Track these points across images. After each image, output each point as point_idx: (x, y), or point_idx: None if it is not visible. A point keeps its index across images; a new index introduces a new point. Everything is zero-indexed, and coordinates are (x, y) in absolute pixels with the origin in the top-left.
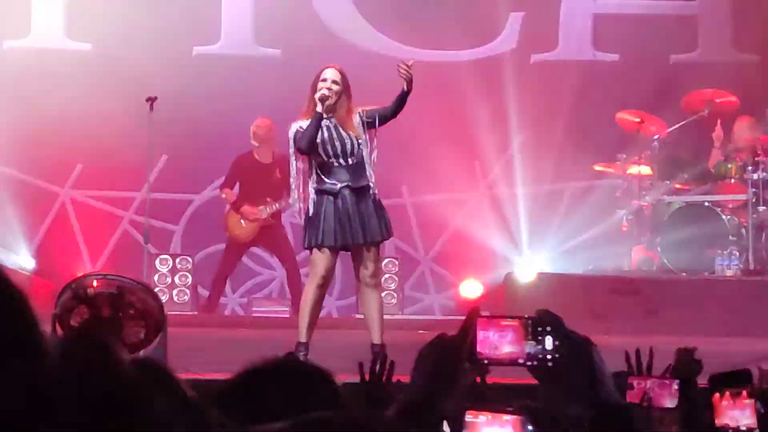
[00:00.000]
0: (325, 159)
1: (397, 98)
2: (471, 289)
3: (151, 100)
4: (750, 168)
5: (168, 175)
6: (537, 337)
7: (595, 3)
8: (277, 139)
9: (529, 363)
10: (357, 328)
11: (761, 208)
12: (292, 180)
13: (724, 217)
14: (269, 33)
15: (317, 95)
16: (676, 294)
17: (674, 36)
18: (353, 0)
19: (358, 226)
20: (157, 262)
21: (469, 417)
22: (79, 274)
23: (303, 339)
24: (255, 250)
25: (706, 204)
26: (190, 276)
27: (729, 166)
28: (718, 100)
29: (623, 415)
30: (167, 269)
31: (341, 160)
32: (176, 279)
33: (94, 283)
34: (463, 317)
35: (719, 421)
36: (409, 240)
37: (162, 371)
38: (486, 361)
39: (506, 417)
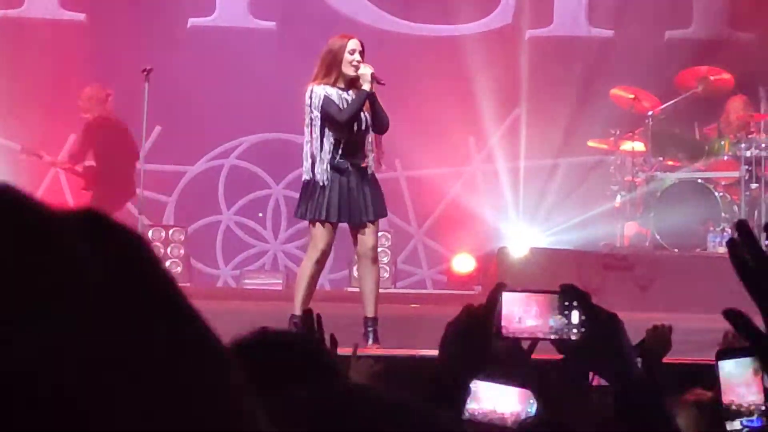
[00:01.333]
0: (350, 134)
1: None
2: (464, 263)
3: (147, 71)
4: (743, 145)
5: (162, 147)
6: (563, 311)
7: None
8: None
9: (554, 337)
10: (349, 301)
11: (754, 186)
12: (307, 147)
13: (716, 193)
14: (264, 5)
15: (366, 71)
16: (668, 270)
17: (669, 12)
18: None
19: (361, 204)
20: (150, 233)
21: (474, 386)
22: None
23: (298, 312)
24: (247, 222)
25: (699, 181)
26: (183, 248)
27: (722, 143)
28: (712, 78)
29: (651, 390)
30: (160, 241)
31: (354, 137)
32: (169, 250)
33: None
34: (456, 291)
35: (725, 398)
36: (402, 214)
37: None
38: (512, 335)
39: (512, 389)
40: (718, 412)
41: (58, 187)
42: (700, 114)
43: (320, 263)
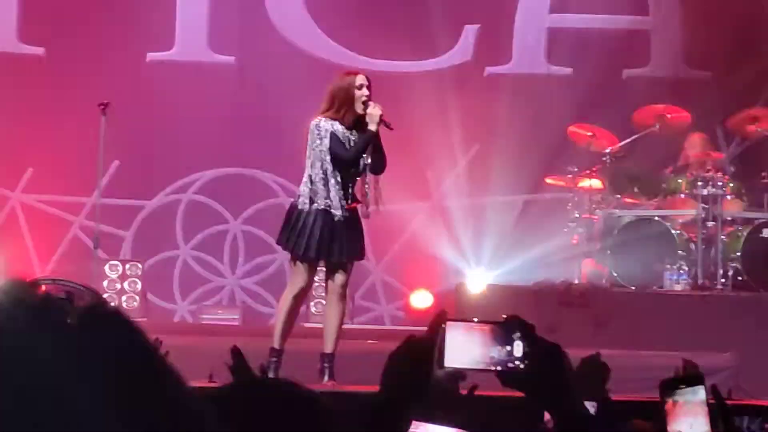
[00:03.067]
0: (349, 174)
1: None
2: (421, 299)
3: (104, 105)
4: (700, 183)
5: (119, 181)
6: (506, 343)
7: (549, 17)
8: None
9: (496, 368)
10: (309, 337)
11: (710, 224)
12: (306, 178)
13: (673, 231)
14: (223, 40)
15: (376, 112)
16: (625, 307)
17: (627, 51)
18: (308, 8)
19: (341, 244)
20: (106, 267)
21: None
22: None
23: (277, 346)
24: (205, 257)
25: (656, 218)
26: (139, 282)
27: (679, 181)
28: (669, 116)
29: (589, 425)
30: (117, 275)
31: (351, 179)
32: (126, 285)
33: (43, 288)
34: (414, 327)
35: (671, 429)
36: None
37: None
38: (454, 366)
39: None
40: None
41: (14, 220)
42: (658, 152)
43: (298, 298)
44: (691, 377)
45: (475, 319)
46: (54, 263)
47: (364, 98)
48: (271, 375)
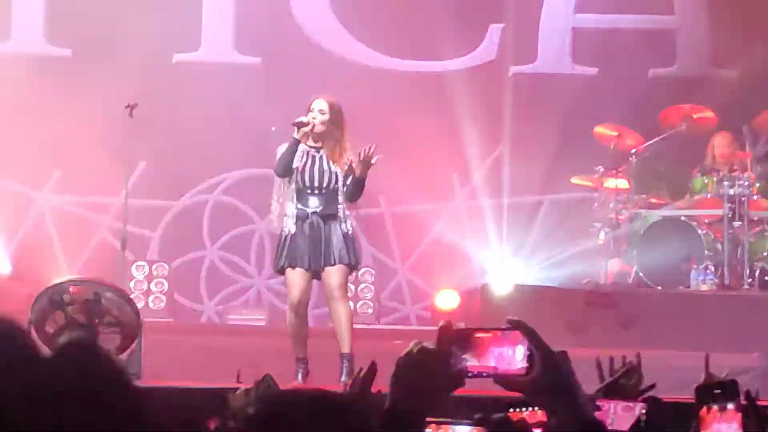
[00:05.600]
0: (300, 186)
1: (354, 184)
2: (447, 299)
3: (131, 107)
4: (726, 183)
5: (146, 182)
6: (509, 347)
7: (574, 16)
8: None
9: (500, 373)
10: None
11: (737, 224)
12: (272, 199)
13: (700, 231)
14: (249, 41)
15: (295, 120)
16: (651, 308)
17: (653, 50)
18: (333, 9)
19: (327, 251)
20: (133, 268)
21: (429, 431)
22: (56, 280)
23: (300, 355)
24: (231, 257)
25: (683, 218)
26: (166, 283)
27: (705, 180)
28: (695, 116)
29: (597, 429)
30: (143, 276)
31: (315, 190)
32: (152, 286)
33: (71, 289)
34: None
35: None
36: (386, 250)
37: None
38: (469, 374)
39: (467, 429)
40: None
41: (42, 221)
42: (684, 151)
43: (297, 311)
44: (725, 383)
45: (479, 327)
46: (82, 264)
47: (299, 119)
48: (300, 382)
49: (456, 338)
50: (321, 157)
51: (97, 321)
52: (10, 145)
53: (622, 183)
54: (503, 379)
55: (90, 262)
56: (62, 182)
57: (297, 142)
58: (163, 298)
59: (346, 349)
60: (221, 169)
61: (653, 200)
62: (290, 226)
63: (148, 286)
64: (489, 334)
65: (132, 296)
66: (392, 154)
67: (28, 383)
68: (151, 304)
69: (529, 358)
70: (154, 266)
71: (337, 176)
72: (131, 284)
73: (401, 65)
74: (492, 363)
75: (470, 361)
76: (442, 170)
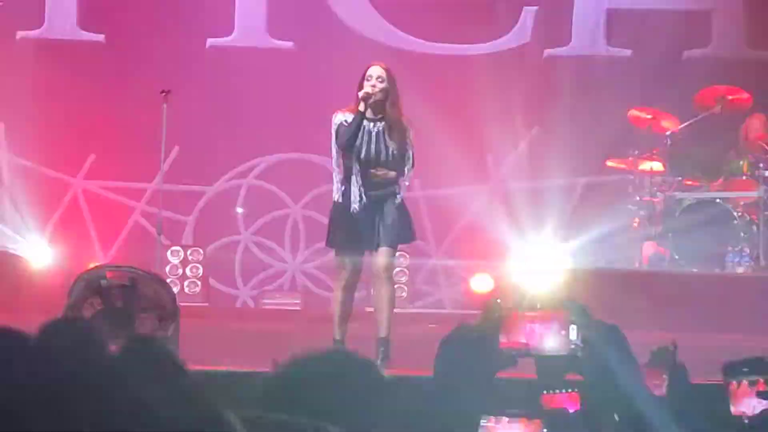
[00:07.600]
0: (358, 162)
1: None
2: (481, 283)
3: (165, 92)
4: (762, 165)
5: (181, 167)
6: (561, 328)
7: None
8: None
9: (553, 353)
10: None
11: None
12: (334, 174)
13: (735, 213)
14: (282, 25)
15: (361, 93)
16: (686, 290)
17: (687, 31)
18: None
19: (380, 230)
20: (168, 253)
21: (484, 422)
22: (92, 265)
23: (337, 336)
24: (266, 242)
25: (718, 201)
26: (201, 267)
27: (741, 163)
28: (730, 97)
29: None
30: (179, 260)
31: (371, 167)
32: (187, 270)
33: (108, 274)
34: (475, 311)
35: (735, 410)
36: (421, 233)
37: (166, 359)
38: (513, 352)
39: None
40: None
41: (77, 206)
42: (719, 134)
43: (347, 289)
44: (751, 360)
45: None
46: (116, 249)
47: (365, 91)
48: None
49: (500, 318)
50: (378, 132)
51: (133, 306)
52: (45, 130)
53: (657, 165)
54: (559, 360)
55: (124, 247)
56: (96, 167)
57: (363, 115)
58: (199, 283)
59: (383, 333)
60: (255, 153)
61: (688, 182)
62: (349, 203)
63: (184, 270)
64: (539, 313)
65: (167, 281)
66: (427, 137)
67: (103, 379)
68: (186, 289)
69: (583, 337)
70: (189, 251)
71: (394, 154)
72: (167, 269)
73: (435, 48)
74: (548, 341)
75: (526, 338)
76: (476, 153)
